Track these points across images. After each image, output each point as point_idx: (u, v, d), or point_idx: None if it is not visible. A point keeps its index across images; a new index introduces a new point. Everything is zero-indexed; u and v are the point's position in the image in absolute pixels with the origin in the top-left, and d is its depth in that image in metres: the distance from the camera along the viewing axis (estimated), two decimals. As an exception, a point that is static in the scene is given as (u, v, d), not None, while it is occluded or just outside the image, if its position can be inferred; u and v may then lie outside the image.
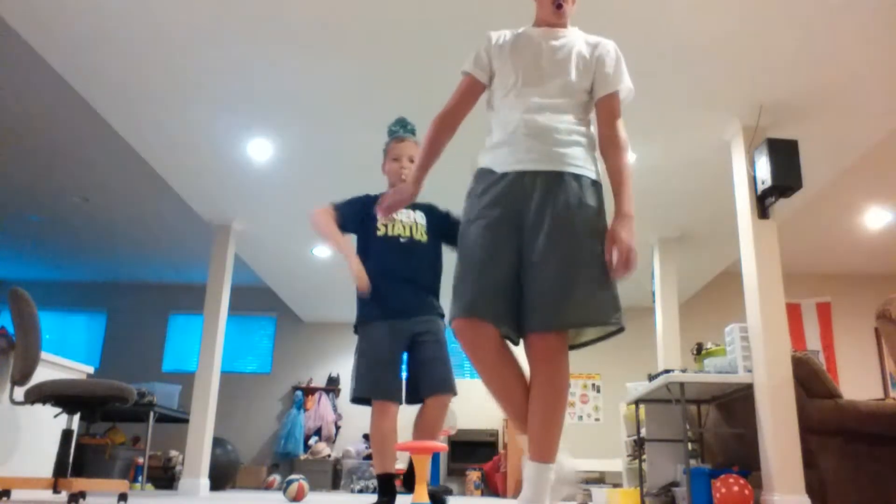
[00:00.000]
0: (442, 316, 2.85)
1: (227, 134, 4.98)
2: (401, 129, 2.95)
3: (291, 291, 8.65)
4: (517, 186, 1.77)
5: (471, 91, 1.94)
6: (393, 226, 2.81)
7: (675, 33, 3.77)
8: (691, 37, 3.79)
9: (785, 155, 4.24)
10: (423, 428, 2.69)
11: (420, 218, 2.89)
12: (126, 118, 4.80)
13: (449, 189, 4.04)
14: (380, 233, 2.79)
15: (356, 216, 2.85)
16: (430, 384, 2.70)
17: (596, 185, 1.81)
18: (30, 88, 5.03)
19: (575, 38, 1.92)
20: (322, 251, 7.18)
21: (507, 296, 1.71)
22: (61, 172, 6.39)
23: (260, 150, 5.16)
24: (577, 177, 1.77)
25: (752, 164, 4.45)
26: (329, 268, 7.67)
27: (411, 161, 2.84)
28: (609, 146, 1.85)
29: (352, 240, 2.90)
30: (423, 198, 2.92)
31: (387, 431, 2.62)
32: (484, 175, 1.85)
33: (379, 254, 2.79)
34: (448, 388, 2.71)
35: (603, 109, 1.88)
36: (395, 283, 2.73)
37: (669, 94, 4.34)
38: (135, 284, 9.82)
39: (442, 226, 2.91)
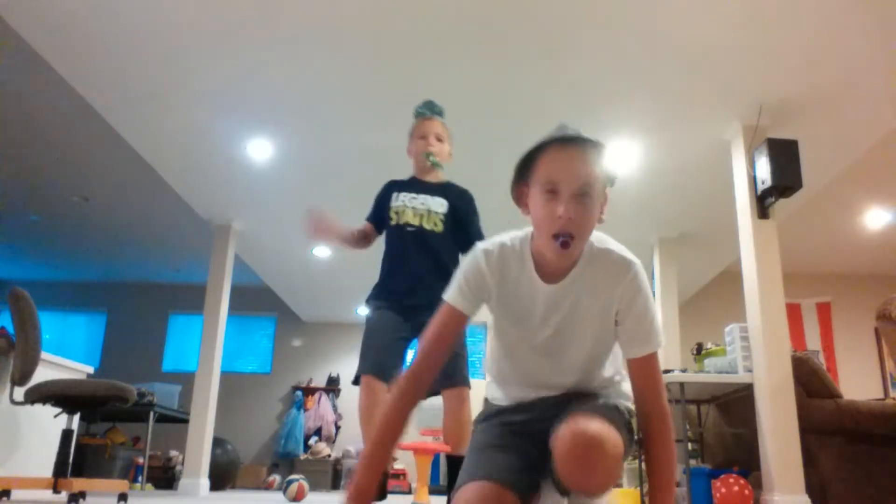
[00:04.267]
0: None
1: (227, 134, 4.98)
2: (427, 111, 2.79)
3: (291, 291, 8.65)
4: None
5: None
6: (403, 212, 2.62)
7: (675, 33, 3.77)
8: (691, 37, 3.79)
9: (785, 155, 4.23)
10: (447, 425, 2.47)
11: (438, 206, 2.63)
12: (126, 118, 4.80)
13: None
14: (392, 221, 2.64)
15: (382, 214, 2.69)
16: (441, 377, 2.52)
17: None
18: (30, 88, 5.02)
19: None
20: (322, 251, 7.18)
21: None
22: (61, 172, 6.39)
23: (260, 150, 5.16)
24: None
25: (752, 164, 4.45)
26: (329, 268, 7.67)
27: (439, 140, 2.71)
28: None
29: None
30: (460, 180, 2.75)
31: (374, 414, 2.29)
32: None
33: (390, 243, 2.66)
34: (458, 381, 2.46)
35: None
36: (404, 274, 2.58)
37: (669, 94, 4.34)
38: (135, 284, 9.82)
39: (455, 217, 2.65)
